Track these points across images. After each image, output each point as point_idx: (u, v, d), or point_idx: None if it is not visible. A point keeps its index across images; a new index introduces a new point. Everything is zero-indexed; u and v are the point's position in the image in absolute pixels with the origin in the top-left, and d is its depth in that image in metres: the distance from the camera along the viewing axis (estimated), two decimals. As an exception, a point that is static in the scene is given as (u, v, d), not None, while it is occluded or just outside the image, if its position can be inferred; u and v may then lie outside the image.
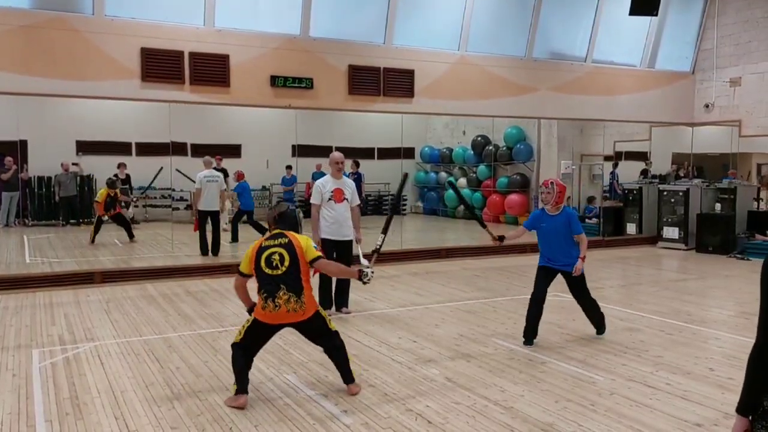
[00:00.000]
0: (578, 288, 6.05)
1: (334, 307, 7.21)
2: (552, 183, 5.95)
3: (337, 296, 7.26)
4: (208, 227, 10.95)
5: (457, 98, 11.83)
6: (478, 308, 7.57)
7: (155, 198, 13.93)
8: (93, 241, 12.57)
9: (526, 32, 12.38)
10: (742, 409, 2.15)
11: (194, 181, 11.16)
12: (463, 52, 11.79)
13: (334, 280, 7.16)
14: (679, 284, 9.47)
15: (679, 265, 11.44)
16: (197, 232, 10.98)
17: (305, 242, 4.51)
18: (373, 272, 4.87)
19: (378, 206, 19.97)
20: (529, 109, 12.80)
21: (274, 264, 4.36)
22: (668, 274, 10.75)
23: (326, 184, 7.07)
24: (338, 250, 7.07)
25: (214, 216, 10.96)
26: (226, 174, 14.66)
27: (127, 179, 15.63)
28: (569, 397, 4.62)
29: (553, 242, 5.92)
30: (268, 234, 4.62)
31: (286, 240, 4.46)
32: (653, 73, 13.88)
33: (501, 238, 6.20)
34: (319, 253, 4.56)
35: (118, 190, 13.31)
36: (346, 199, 7.08)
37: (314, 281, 6.87)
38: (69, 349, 5.83)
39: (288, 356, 5.63)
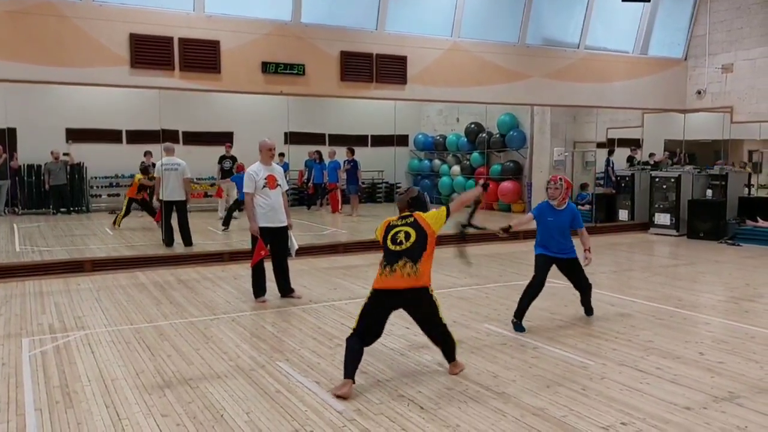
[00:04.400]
0: (577, 274, 6.27)
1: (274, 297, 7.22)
2: (561, 179, 6.14)
3: (279, 281, 7.28)
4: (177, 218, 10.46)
5: (450, 85, 11.76)
6: (470, 295, 7.58)
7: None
8: (118, 224, 12.70)
9: (519, 18, 12.30)
10: None
11: None
12: (455, 39, 11.71)
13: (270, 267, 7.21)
14: (670, 270, 9.51)
15: (670, 251, 11.49)
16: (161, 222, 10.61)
17: (430, 214, 4.66)
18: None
19: (372, 194, 19.95)
20: (522, 96, 12.75)
21: (398, 241, 4.54)
22: (659, 259, 10.80)
23: (258, 171, 6.98)
24: (275, 237, 7.05)
25: (180, 206, 10.42)
26: (235, 160, 14.57)
27: (153, 167, 15.54)
28: (561, 382, 4.64)
29: (554, 234, 6.11)
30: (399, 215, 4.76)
31: (413, 219, 4.64)
32: (646, 60, 13.84)
33: (507, 229, 6.17)
34: (443, 208, 4.70)
35: (144, 176, 13.28)
36: (279, 185, 7.07)
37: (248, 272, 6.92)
38: (59, 337, 5.80)
39: (280, 343, 5.62)
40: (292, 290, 7.33)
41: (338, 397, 4.29)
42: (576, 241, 6.28)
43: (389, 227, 4.64)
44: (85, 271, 8.89)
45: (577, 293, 6.47)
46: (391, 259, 4.51)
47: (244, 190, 7.05)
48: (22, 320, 6.41)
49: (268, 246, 7.06)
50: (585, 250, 6.20)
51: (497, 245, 11.46)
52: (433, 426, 3.90)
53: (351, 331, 4.57)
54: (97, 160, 16.56)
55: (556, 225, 6.09)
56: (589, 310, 6.49)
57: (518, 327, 5.98)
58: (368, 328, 4.54)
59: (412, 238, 4.52)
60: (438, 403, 4.25)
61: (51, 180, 15.59)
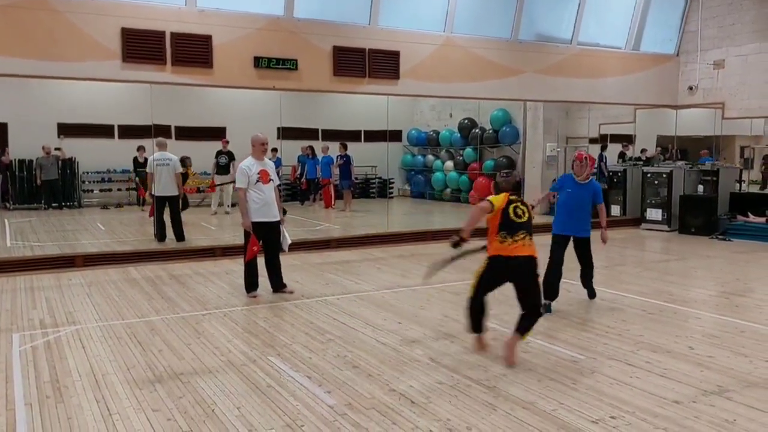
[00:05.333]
0: (585, 253, 6.61)
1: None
2: (585, 158, 6.54)
3: (271, 276, 7.28)
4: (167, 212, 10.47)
5: (443, 80, 11.75)
6: (463, 290, 7.54)
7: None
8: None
9: (512, 14, 12.30)
10: None
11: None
12: (448, 34, 11.70)
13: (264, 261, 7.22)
14: (661, 265, 9.56)
15: (661, 246, 11.55)
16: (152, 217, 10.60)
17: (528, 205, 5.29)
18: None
19: (365, 189, 19.94)
20: (515, 92, 12.75)
21: (519, 214, 5.08)
22: (651, 255, 10.85)
23: (251, 166, 6.95)
24: (269, 232, 7.04)
25: (172, 201, 10.41)
26: (232, 157, 14.51)
27: (145, 162, 15.44)
28: (551, 376, 4.66)
29: (574, 209, 6.45)
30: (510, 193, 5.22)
31: (521, 200, 5.23)
32: (638, 56, 13.88)
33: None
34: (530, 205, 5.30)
35: (189, 168, 13.10)
36: (272, 180, 7.06)
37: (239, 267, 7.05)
38: (50, 332, 5.78)
39: (272, 339, 5.62)
40: (285, 285, 7.32)
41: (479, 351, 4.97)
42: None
43: (511, 201, 5.09)
44: (76, 266, 8.85)
45: (573, 290, 6.59)
46: (512, 230, 4.97)
47: (237, 185, 7.02)
48: (12, 315, 6.38)
49: (261, 241, 7.05)
50: (603, 229, 6.56)
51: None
52: (424, 420, 3.91)
53: (469, 296, 5.15)
54: (89, 155, 16.48)
55: (577, 197, 6.42)
56: (591, 293, 6.76)
57: (547, 308, 6.26)
58: (487, 286, 5.13)
59: (527, 215, 5.09)
60: (429, 397, 4.26)
61: (42, 175, 15.50)
